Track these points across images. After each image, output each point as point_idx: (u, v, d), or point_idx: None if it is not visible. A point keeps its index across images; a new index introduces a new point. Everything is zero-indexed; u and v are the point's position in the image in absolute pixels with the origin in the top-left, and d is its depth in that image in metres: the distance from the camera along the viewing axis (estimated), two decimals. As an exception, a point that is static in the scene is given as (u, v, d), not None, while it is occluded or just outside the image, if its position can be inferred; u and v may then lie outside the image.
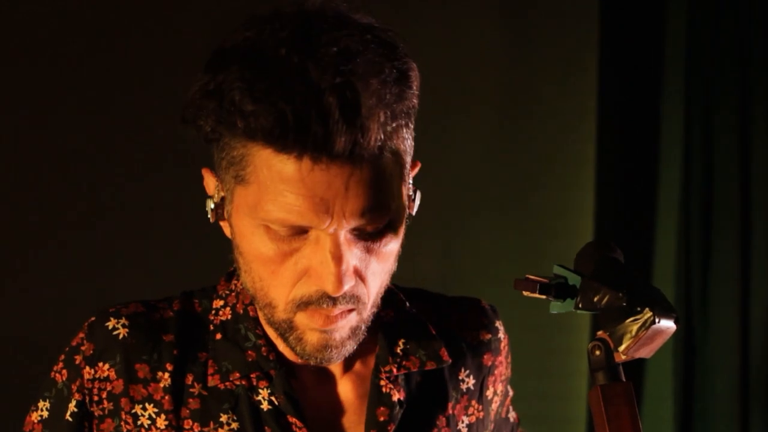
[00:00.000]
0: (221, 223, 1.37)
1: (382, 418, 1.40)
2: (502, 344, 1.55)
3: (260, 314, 1.40)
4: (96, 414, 1.38)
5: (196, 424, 1.37)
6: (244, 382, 1.38)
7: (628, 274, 1.30)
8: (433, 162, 2.88)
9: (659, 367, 2.96)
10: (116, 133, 2.48)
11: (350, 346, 1.34)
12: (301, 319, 1.31)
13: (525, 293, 1.34)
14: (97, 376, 1.38)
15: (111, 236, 2.47)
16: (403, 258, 2.83)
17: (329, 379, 1.43)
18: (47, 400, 1.41)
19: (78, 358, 1.39)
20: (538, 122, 3.03)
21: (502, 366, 1.55)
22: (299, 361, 1.39)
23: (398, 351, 1.44)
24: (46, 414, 1.41)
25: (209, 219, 1.36)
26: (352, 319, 1.33)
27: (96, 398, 1.38)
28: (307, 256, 1.28)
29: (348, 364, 1.44)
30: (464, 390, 1.49)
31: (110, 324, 1.39)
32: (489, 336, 1.53)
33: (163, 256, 2.48)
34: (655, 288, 1.29)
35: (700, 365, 2.96)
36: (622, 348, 1.25)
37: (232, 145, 1.27)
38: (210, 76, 1.25)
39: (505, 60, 3.02)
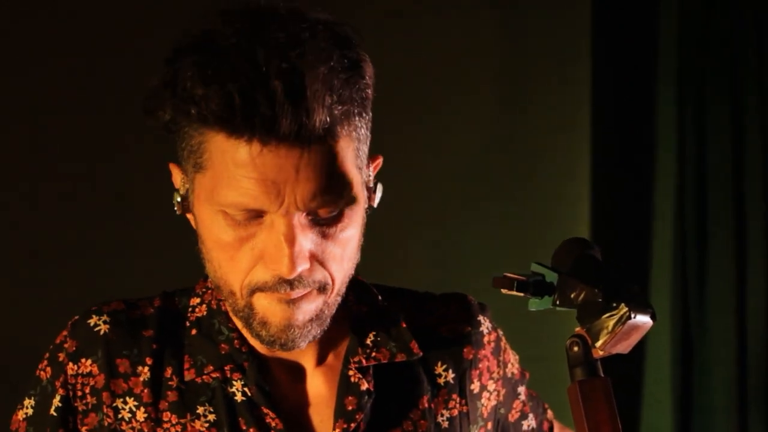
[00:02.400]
0: (188, 216, 1.40)
1: (350, 407, 1.43)
2: (486, 338, 1.55)
3: (228, 307, 1.43)
4: (80, 409, 1.42)
5: (174, 416, 1.40)
6: (218, 375, 1.42)
7: (604, 270, 1.31)
8: (427, 155, 2.91)
9: (657, 365, 2.96)
10: (120, 132, 2.49)
11: (314, 331, 1.37)
12: (260, 300, 1.34)
13: (503, 291, 1.35)
14: (80, 371, 1.42)
15: (108, 238, 2.48)
16: (399, 252, 2.83)
17: (301, 373, 1.46)
18: (32, 398, 1.44)
19: (61, 356, 1.43)
20: (532, 114, 3.04)
21: (487, 361, 1.55)
22: (271, 353, 1.43)
23: (368, 342, 1.47)
24: (30, 411, 1.44)
25: (176, 212, 1.40)
26: (316, 301, 1.35)
27: (80, 393, 1.42)
28: (263, 240, 1.31)
29: (320, 358, 1.46)
30: (442, 384, 1.51)
31: (92, 321, 1.43)
32: (469, 329, 1.54)
33: (156, 258, 2.49)
34: (633, 284, 1.30)
35: (697, 365, 2.96)
36: (599, 344, 1.27)
37: (190, 133, 1.31)
38: (167, 68, 1.29)
39: (499, 53, 3.02)
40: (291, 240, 1.29)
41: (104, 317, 1.43)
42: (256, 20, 1.29)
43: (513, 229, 3.00)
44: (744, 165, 2.91)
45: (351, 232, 1.36)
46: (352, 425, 1.43)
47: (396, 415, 1.46)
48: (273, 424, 1.40)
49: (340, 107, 1.28)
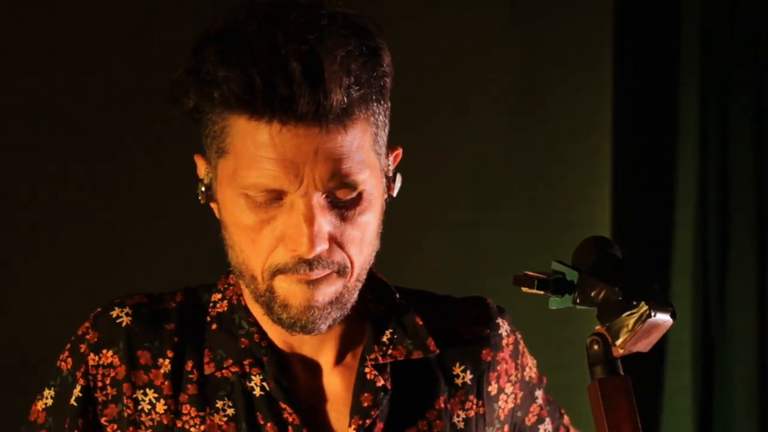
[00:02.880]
0: (211, 205, 1.43)
1: (365, 404, 1.44)
2: (504, 341, 1.56)
3: (248, 296, 1.44)
4: (100, 399, 1.43)
5: (193, 408, 1.42)
6: (237, 369, 1.43)
7: (625, 269, 1.31)
8: (447, 156, 2.92)
9: (677, 365, 2.95)
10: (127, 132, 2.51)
11: (334, 314, 1.38)
12: (280, 282, 1.36)
13: (524, 289, 1.36)
14: (101, 362, 1.43)
15: (117, 237, 2.49)
16: (415, 254, 2.84)
17: (319, 370, 1.47)
18: (52, 388, 1.46)
19: (83, 347, 1.45)
20: (553, 114, 3.04)
21: (506, 364, 1.55)
22: (290, 349, 1.45)
23: (384, 340, 1.48)
24: (50, 402, 1.46)
25: (200, 201, 1.42)
26: (336, 284, 1.38)
27: (100, 384, 1.43)
28: (283, 221, 1.34)
29: (338, 356, 1.47)
30: (459, 384, 1.51)
31: (114, 313, 1.45)
32: (488, 331, 1.55)
33: (168, 257, 2.50)
34: (653, 283, 1.30)
35: (718, 365, 2.95)
36: (619, 342, 1.27)
37: (212, 119, 1.34)
38: (191, 57, 1.33)
39: (520, 52, 3.02)
40: (310, 220, 1.32)
41: (126, 309, 1.45)
42: (276, 9, 1.32)
43: (532, 232, 3.00)
44: (766, 167, 2.90)
45: (369, 216, 1.38)
46: (368, 421, 1.43)
47: (412, 413, 1.47)
48: (290, 419, 1.41)
49: (357, 89, 1.31)
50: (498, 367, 1.55)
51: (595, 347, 1.29)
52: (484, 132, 2.96)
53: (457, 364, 1.52)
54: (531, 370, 1.61)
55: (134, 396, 1.42)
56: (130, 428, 1.42)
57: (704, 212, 2.96)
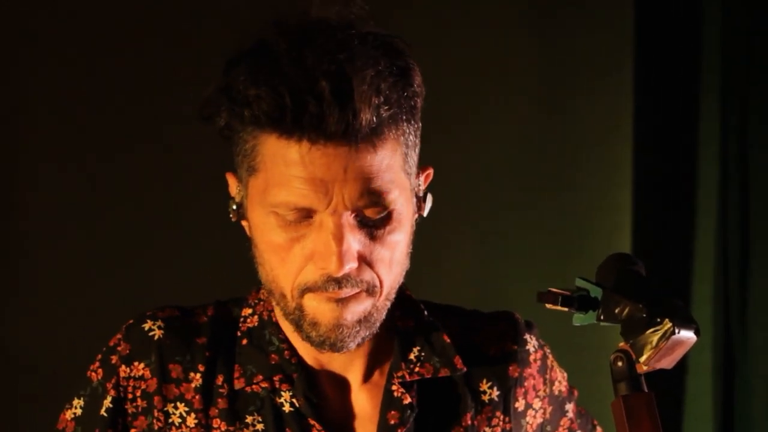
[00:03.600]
0: (242, 223, 1.44)
1: (392, 422, 1.45)
2: (532, 357, 1.56)
3: (279, 312, 1.46)
4: (130, 411, 1.45)
5: (223, 423, 1.44)
6: (267, 385, 1.45)
7: (648, 286, 1.32)
8: (467, 163, 2.92)
9: (698, 378, 2.94)
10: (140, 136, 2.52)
11: (363, 333, 1.40)
12: (309, 300, 1.38)
13: (548, 306, 1.36)
14: (132, 374, 1.45)
15: (124, 241, 2.49)
16: (435, 262, 2.83)
17: (347, 387, 1.48)
18: (81, 398, 1.48)
19: (114, 358, 1.46)
20: (573, 122, 3.04)
21: (533, 379, 1.56)
22: (320, 366, 1.46)
23: (412, 357, 1.49)
24: (79, 411, 1.47)
25: (231, 219, 1.44)
26: (365, 303, 1.39)
27: (130, 396, 1.45)
28: (312, 240, 1.35)
29: (366, 374, 1.48)
30: (486, 401, 1.52)
31: (146, 326, 1.46)
32: (515, 347, 1.55)
33: (177, 264, 2.51)
34: (676, 300, 1.31)
35: (739, 366, 2.95)
36: (643, 359, 1.28)
37: (243, 137, 1.36)
38: (223, 76, 1.36)
39: (540, 59, 3.02)
40: (339, 238, 1.33)
41: (159, 322, 1.47)
42: (306, 28, 1.34)
43: (553, 240, 2.99)
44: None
45: (399, 236, 1.39)
46: None
47: (439, 430, 1.48)
48: None
49: (387, 109, 1.33)
50: (525, 383, 1.55)
51: (619, 364, 1.30)
52: (505, 140, 2.97)
53: (484, 381, 1.52)
54: (561, 384, 1.61)
55: (165, 409, 1.44)
56: None
57: (725, 218, 2.95)
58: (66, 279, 2.45)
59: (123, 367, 1.45)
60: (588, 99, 3.04)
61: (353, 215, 1.34)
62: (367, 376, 1.48)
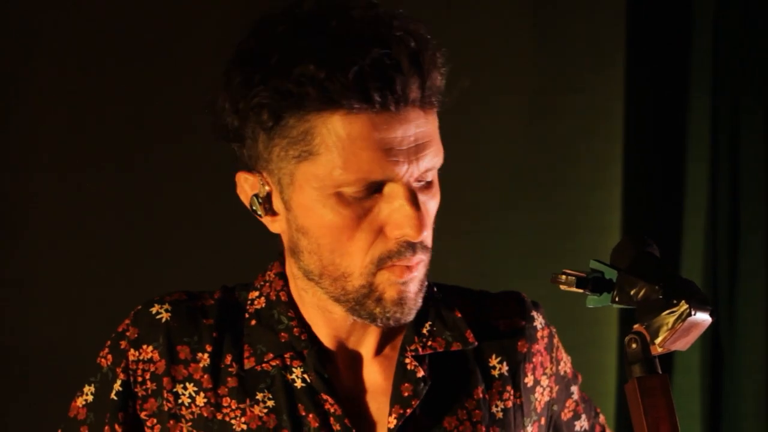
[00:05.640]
0: (266, 219, 1.43)
1: (406, 394, 1.45)
2: (539, 333, 1.57)
3: (301, 293, 1.45)
4: (140, 394, 1.45)
5: (233, 401, 1.43)
6: (278, 362, 1.45)
7: (664, 267, 1.32)
8: (459, 159, 2.90)
9: (686, 365, 2.95)
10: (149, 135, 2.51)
11: (419, 301, 1.41)
12: (381, 278, 1.38)
13: (562, 287, 1.36)
14: (141, 357, 1.45)
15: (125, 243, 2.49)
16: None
17: (359, 361, 1.48)
18: (92, 385, 1.47)
19: (123, 343, 1.46)
20: (565, 120, 3.04)
21: (541, 356, 1.56)
22: (331, 342, 1.46)
23: (424, 332, 1.49)
24: (90, 398, 1.47)
25: (259, 216, 1.42)
26: (422, 270, 1.41)
27: (140, 379, 1.45)
28: (383, 211, 1.36)
29: (378, 348, 1.48)
30: (496, 376, 1.52)
31: (154, 309, 1.47)
32: (523, 323, 1.56)
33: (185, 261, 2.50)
34: (691, 281, 1.30)
35: (727, 364, 2.96)
36: (658, 340, 1.27)
37: (291, 124, 1.35)
38: (256, 66, 1.34)
39: (532, 57, 3.03)
40: (416, 204, 1.35)
41: (166, 306, 1.46)
42: (329, 7, 1.35)
43: (543, 236, 2.99)
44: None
45: (436, 202, 1.42)
46: (408, 411, 1.44)
47: (451, 403, 1.48)
48: (332, 410, 1.43)
49: (441, 79, 1.37)
50: (533, 359, 1.56)
51: (634, 346, 1.29)
52: (495, 138, 2.97)
53: (494, 356, 1.53)
54: (566, 365, 1.62)
55: (174, 390, 1.44)
56: (171, 422, 1.44)
57: (714, 217, 2.96)
58: (71, 278, 2.43)
59: (132, 351, 1.45)
60: (578, 97, 3.04)
61: (415, 182, 1.37)
62: (379, 350, 1.49)
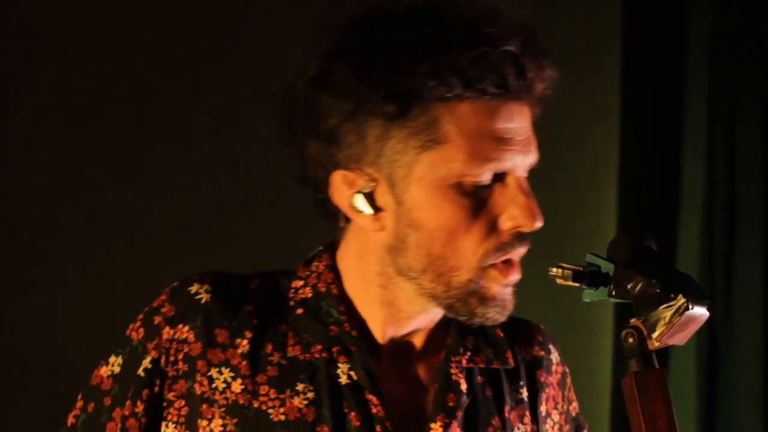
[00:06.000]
0: (365, 217, 1.39)
1: (451, 404, 1.44)
2: (554, 367, 1.57)
3: (432, 287, 1.41)
4: (170, 374, 1.41)
5: (272, 390, 1.40)
6: (324, 355, 1.42)
7: (661, 262, 1.31)
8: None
9: (681, 367, 2.94)
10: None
11: (514, 302, 1.42)
12: (489, 276, 1.39)
13: (558, 281, 1.35)
14: (176, 336, 1.42)
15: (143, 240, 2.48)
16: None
17: (403, 363, 1.46)
18: (120, 356, 1.44)
19: (157, 319, 1.43)
20: (559, 121, 3.03)
21: (553, 390, 1.56)
22: (380, 341, 1.44)
23: (468, 345, 1.48)
24: (117, 369, 1.44)
25: (366, 211, 1.39)
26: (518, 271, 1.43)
27: (172, 358, 1.42)
28: (499, 202, 1.37)
29: (422, 351, 1.47)
30: (519, 399, 1.52)
31: (193, 288, 1.43)
32: (542, 353, 1.56)
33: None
34: (689, 276, 1.30)
35: (723, 368, 2.95)
36: (655, 335, 1.27)
37: (415, 114, 1.34)
38: (375, 57, 1.34)
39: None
40: (530, 194, 1.38)
41: (206, 286, 1.43)
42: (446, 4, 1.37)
43: (537, 238, 2.98)
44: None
45: None
46: (454, 422, 1.43)
47: (482, 418, 1.47)
48: (374, 411, 1.40)
49: (554, 76, 1.41)
50: (547, 390, 1.55)
51: (630, 340, 1.28)
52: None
53: (517, 382, 1.52)
54: (576, 409, 1.61)
55: (209, 374, 1.40)
56: (203, 406, 1.40)
57: (710, 219, 2.95)
58: (70, 277, 2.43)
59: (167, 328, 1.42)
60: (573, 98, 3.04)
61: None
62: (422, 353, 1.47)
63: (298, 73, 1.40)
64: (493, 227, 1.37)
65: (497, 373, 1.50)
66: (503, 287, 1.39)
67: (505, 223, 1.37)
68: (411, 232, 1.38)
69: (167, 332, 1.42)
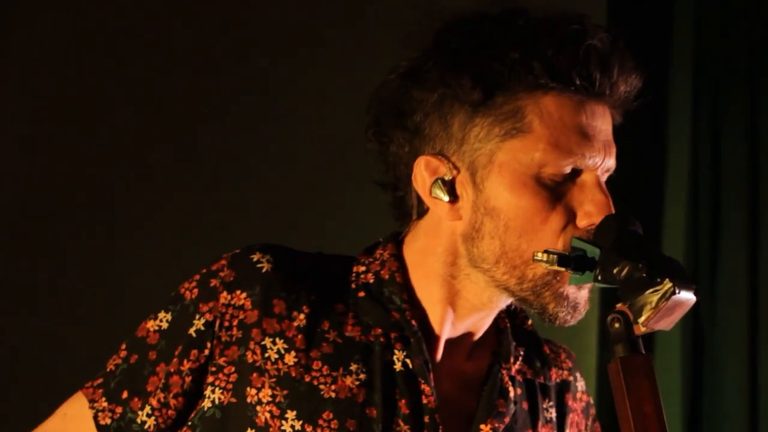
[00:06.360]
0: (442, 205, 1.40)
1: (501, 409, 1.44)
2: (579, 395, 1.57)
3: (506, 279, 1.40)
4: (223, 339, 1.40)
5: (325, 366, 1.39)
6: (382, 339, 1.41)
7: (647, 246, 1.30)
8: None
9: (667, 362, 2.93)
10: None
11: (587, 308, 1.41)
12: (564, 274, 1.37)
13: (544, 266, 1.34)
14: (232, 302, 1.40)
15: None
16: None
17: (453, 360, 1.46)
18: (170, 313, 1.43)
19: (214, 282, 1.41)
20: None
21: (577, 416, 1.56)
22: (437, 332, 1.44)
23: (519, 354, 1.50)
24: (165, 325, 1.42)
25: (444, 198, 1.39)
26: None
27: (227, 324, 1.40)
28: (575, 198, 1.37)
29: (472, 350, 1.48)
30: (549, 418, 1.52)
31: (255, 257, 1.42)
32: (571, 378, 1.56)
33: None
34: (675, 260, 1.28)
35: (708, 362, 2.95)
36: (641, 319, 1.25)
37: (500, 102, 1.36)
38: (464, 47, 1.37)
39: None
40: (607, 193, 1.38)
41: (268, 257, 1.42)
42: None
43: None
44: (758, 168, 2.90)
45: None
46: (501, 427, 1.44)
47: (520, 428, 1.47)
48: (425, 401, 1.40)
49: (638, 83, 1.41)
50: (572, 415, 1.55)
51: (616, 325, 1.27)
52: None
53: (548, 400, 1.53)
54: None
55: (263, 343, 1.39)
56: (254, 374, 1.38)
57: (695, 213, 2.95)
58: (70, 277, 2.41)
59: (224, 293, 1.40)
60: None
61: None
62: (472, 355, 1.47)
63: (390, 71, 1.42)
64: (568, 223, 1.37)
65: (534, 387, 1.51)
66: (577, 288, 1.38)
67: (582, 220, 1.36)
68: (487, 221, 1.38)
69: (224, 297, 1.40)
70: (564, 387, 1.55)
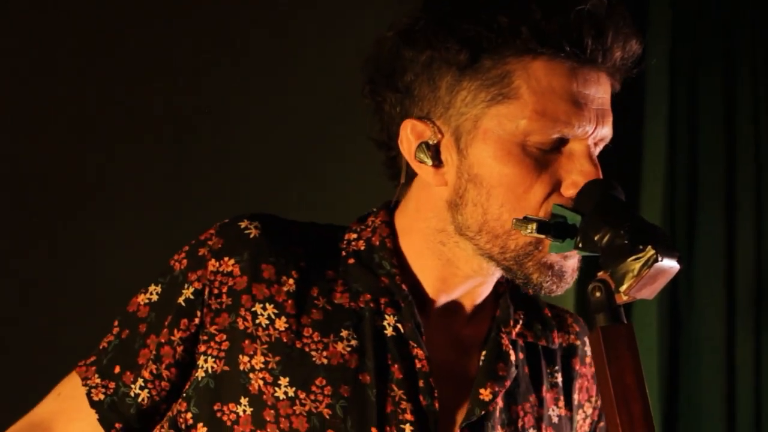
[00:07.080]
0: (427, 169, 1.38)
1: (501, 373, 1.43)
2: (588, 359, 1.55)
3: (490, 249, 1.37)
4: (213, 307, 1.38)
5: (316, 333, 1.38)
6: (372, 305, 1.40)
7: (629, 212, 1.27)
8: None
9: (643, 343, 2.92)
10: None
11: (574, 278, 1.38)
12: (548, 242, 1.33)
13: (523, 233, 1.31)
14: (221, 269, 1.38)
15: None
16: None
17: (449, 324, 1.44)
18: (159, 285, 1.42)
19: (203, 251, 1.40)
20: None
21: (587, 381, 1.54)
22: (431, 297, 1.42)
23: (519, 318, 1.47)
24: (155, 297, 1.41)
25: (428, 163, 1.37)
26: None
27: (216, 291, 1.39)
28: (563, 167, 1.33)
29: (471, 315, 1.45)
30: (554, 382, 1.50)
31: (243, 224, 1.41)
32: (578, 343, 1.54)
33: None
34: (658, 227, 1.25)
35: (684, 336, 2.95)
36: (623, 288, 1.21)
37: (487, 66, 1.33)
38: (456, 8, 1.33)
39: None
40: (596, 164, 1.33)
41: (256, 223, 1.40)
42: None
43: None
44: (734, 156, 2.90)
45: None
46: (501, 390, 1.42)
47: (521, 393, 1.46)
48: (419, 365, 1.38)
49: (638, 48, 1.36)
50: (580, 380, 1.53)
51: (597, 294, 1.22)
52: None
53: (552, 365, 1.51)
54: None
55: (253, 309, 1.37)
56: (246, 341, 1.37)
57: (672, 190, 2.95)
58: (69, 277, 2.39)
59: (212, 261, 1.39)
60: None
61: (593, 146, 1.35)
62: (470, 319, 1.45)
63: (388, 28, 1.39)
64: (553, 191, 1.33)
65: (537, 352, 1.49)
66: (562, 257, 1.34)
67: (568, 190, 1.32)
68: (470, 188, 1.35)
69: (212, 264, 1.39)
70: (571, 351, 1.53)
